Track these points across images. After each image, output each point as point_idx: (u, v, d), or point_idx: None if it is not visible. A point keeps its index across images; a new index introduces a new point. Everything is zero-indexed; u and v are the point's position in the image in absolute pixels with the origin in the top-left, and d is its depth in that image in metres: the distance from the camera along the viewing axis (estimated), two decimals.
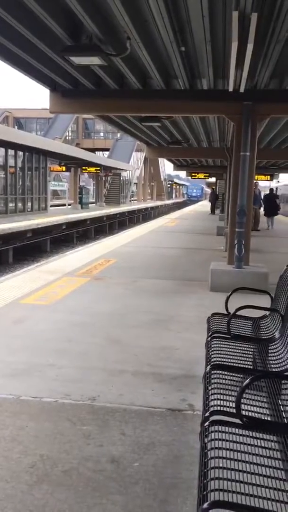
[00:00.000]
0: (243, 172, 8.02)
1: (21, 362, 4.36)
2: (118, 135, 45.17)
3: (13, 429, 3.17)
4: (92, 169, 33.96)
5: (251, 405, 2.48)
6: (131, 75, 7.54)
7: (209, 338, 3.55)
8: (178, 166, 29.94)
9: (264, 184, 32.81)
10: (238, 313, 3.74)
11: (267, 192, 22.59)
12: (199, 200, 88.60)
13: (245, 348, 3.40)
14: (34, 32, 5.92)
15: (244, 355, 3.28)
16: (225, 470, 1.88)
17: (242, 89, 6.98)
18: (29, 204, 23.80)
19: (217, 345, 3.37)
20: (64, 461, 2.83)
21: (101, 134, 50.36)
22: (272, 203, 21.26)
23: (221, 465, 1.91)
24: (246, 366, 3.10)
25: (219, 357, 3.15)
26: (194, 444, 2.95)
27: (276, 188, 33.07)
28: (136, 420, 3.34)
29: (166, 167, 72.44)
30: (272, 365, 3.17)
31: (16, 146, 20.97)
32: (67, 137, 44.15)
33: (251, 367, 3.18)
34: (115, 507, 2.43)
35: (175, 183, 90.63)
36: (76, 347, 4.83)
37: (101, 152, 47.39)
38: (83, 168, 33.97)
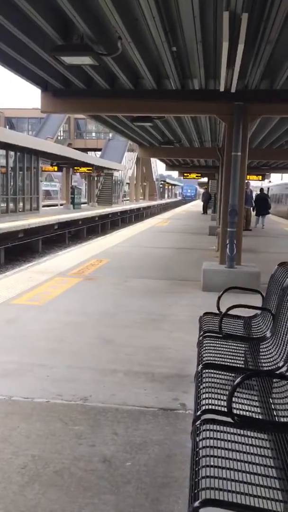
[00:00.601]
0: (234, 172, 8.04)
1: (13, 362, 4.35)
2: (110, 135, 45.14)
3: (5, 430, 3.15)
4: (84, 169, 33.96)
5: (243, 404, 2.49)
6: (122, 75, 7.54)
7: (201, 337, 3.56)
8: (170, 166, 29.96)
9: (255, 184, 32.91)
10: (230, 312, 3.75)
11: (259, 191, 22.72)
12: (193, 200, 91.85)
13: (237, 347, 3.41)
14: (25, 32, 5.91)
15: (236, 354, 3.29)
16: (217, 468, 1.88)
17: (233, 89, 6.99)
18: (21, 204, 23.72)
19: (208, 344, 3.38)
20: (56, 461, 2.82)
21: (93, 134, 50.35)
22: (263, 202, 21.35)
23: (212, 463, 1.91)
24: (238, 365, 3.11)
25: (211, 356, 3.16)
26: (186, 443, 2.95)
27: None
28: (128, 420, 3.34)
29: (158, 167, 72.66)
30: (263, 364, 3.18)
31: (7, 146, 20.89)
32: (59, 137, 44.05)
33: (243, 366, 3.19)
34: (107, 507, 2.43)
35: (167, 183, 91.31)
36: (68, 347, 4.82)
37: (93, 152, 47.34)
38: (75, 168, 33.98)
